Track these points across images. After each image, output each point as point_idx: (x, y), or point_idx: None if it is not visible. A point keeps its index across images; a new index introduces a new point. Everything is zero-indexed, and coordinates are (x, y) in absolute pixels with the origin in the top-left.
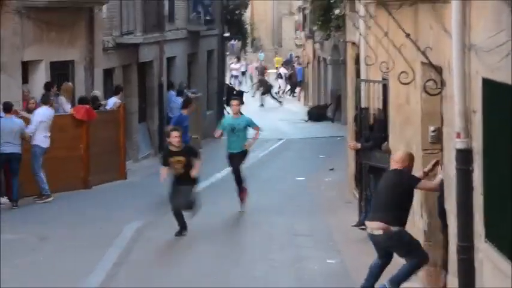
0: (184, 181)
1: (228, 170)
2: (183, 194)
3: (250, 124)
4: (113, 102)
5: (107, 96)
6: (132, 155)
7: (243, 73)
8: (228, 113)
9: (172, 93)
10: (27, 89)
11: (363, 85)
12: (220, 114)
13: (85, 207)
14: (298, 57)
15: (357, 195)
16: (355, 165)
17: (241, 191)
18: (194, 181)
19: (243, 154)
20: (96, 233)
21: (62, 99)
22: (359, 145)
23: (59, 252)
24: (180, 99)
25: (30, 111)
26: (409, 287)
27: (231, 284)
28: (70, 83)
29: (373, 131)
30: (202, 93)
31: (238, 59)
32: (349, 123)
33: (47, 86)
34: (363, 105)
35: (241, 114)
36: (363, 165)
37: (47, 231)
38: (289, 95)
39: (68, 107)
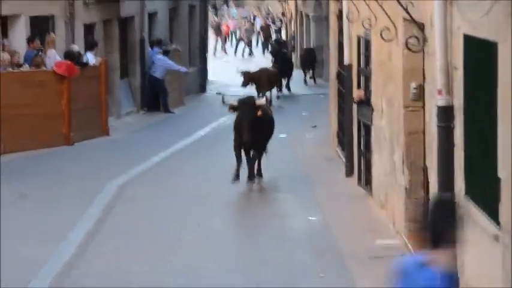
0: None
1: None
2: None
3: None
4: (91, 58)
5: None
6: (114, 112)
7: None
8: None
9: (156, 50)
10: (8, 42)
11: (346, 41)
12: (203, 70)
13: (67, 164)
14: (268, 13)
15: (339, 152)
16: (338, 123)
17: None
18: None
19: None
20: (78, 189)
21: (53, 52)
22: (362, 92)
23: (40, 208)
24: (165, 58)
25: (15, 65)
26: (390, 242)
27: (213, 238)
28: (53, 34)
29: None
30: (184, 49)
31: (216, 14)
32: (331, 80)
33: (29, 40)
34: (346, 62)
35: None
36: (361, 122)
37: (28, 188)
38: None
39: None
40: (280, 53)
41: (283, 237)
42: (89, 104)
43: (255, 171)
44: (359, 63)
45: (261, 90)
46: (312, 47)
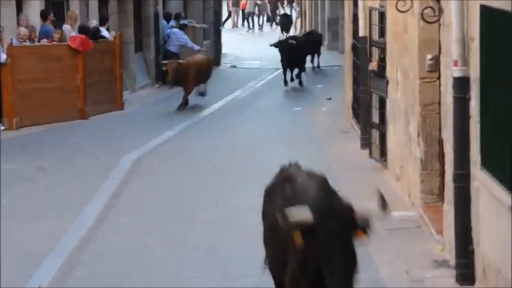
0: None
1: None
2: None
3: None
4: (103, 33)
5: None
6: (129, 85)
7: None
8: None
9: (167, 25)
10: (25, 17)
11: (361, 13)
12: (217, 44)
13: (82, 138)
14: None
15: (354, 125)
16: (353, 95)
17: None
18: None
19: None
20: (94, 163)
21: (67, 27)
22: (375, 63)
23: (57, 182)
24: (181, 33)
25: (31, 39)
26: (406, 214)
27: (229, 214)
28: (76, 11)
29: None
30: (198, 22)
31: None
32: (346, 52)
33: (43, 15)
34: (361, 34)
35: None
36: (377, 94)
37: (45, 162)
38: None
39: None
40: (286, 44)
41: None
42: (103, 78)
43: None
44: (374, 35)
45: (185, 88)
46: (318, 30)
